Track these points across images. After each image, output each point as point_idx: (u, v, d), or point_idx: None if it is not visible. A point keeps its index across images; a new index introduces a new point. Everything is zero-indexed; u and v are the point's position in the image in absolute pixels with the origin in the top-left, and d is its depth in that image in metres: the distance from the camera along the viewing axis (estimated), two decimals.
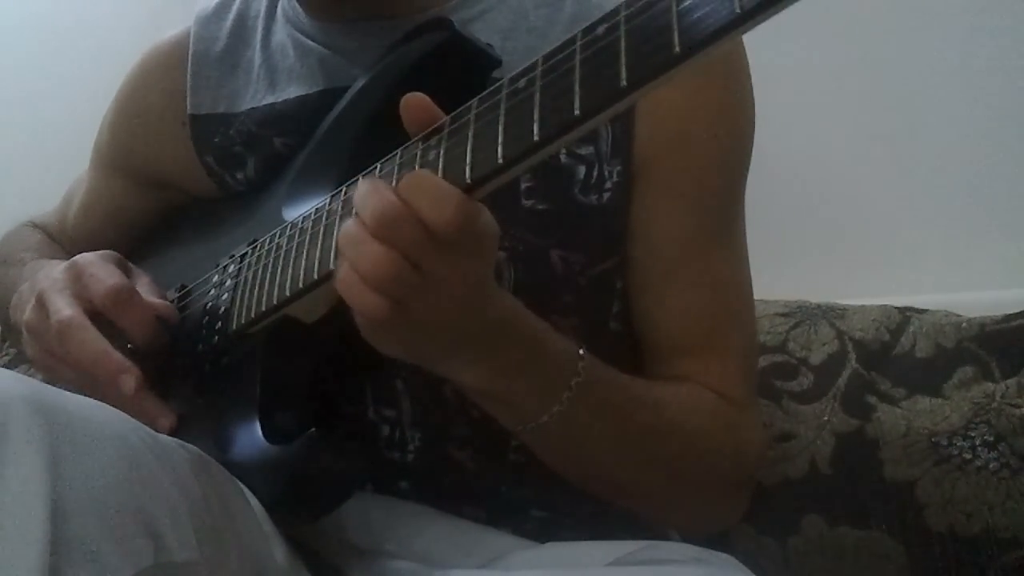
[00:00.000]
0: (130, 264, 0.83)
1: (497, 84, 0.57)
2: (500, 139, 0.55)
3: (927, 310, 1.07)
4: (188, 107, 0.90)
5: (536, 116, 0.53)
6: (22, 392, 0.52)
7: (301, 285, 0.68)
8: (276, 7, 0.91)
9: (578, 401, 0.70)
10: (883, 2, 1.27)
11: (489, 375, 0.68)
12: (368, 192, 0.58)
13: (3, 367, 1.20)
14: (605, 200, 0.78)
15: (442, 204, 0.56)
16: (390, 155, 0.64)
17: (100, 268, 0.78)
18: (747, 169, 0.84)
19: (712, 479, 0.80)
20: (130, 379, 0.73)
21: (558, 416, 0.70)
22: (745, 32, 0.46)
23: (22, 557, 0.47)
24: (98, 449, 0.53)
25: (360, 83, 0.78)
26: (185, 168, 0.91)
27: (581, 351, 0.71)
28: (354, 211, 0.60)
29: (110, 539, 0.50)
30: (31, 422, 0.51)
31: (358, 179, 0.66)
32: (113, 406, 0.71)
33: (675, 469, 0.78)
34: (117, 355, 0.74)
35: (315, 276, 0.66)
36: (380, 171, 0.64)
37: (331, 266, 0.64)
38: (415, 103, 0.61)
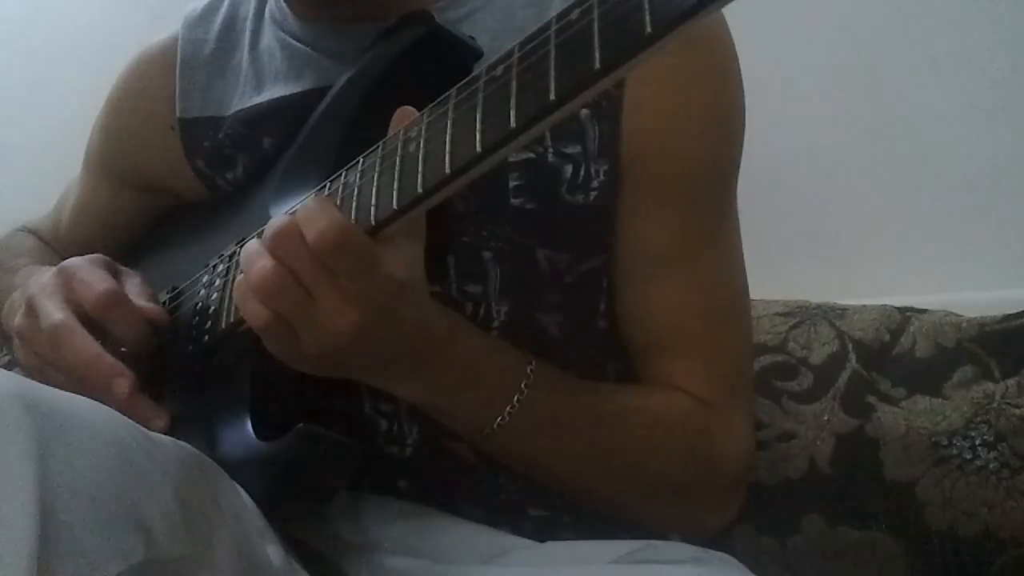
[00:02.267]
0: (119, 266, 0.83)
1: (475, 73, 0.57)
2: (479, 127, 0.55)
3: (927, 310, 1.07)
4: (177, 111, 0.90)
5: (513, 103, 0.53)
6: (11, 389, 0.52)
7: None
8: (264, 10, 0.90)
9: (523, 413, 0.71)
10: (883, 1, 1.27)
11: (422, 391, 0.70)
12: (275, 219, 0.63)
13: (2, 367, 1.20)
14: (592, 199, 0.78)
15: (320, 227, 0.60)
16: (372, 148, 0.65)
17: (89, 273, 0.78)
18: (737, 169, 0.83)
19: (684, 486, 0.79)
20: (123, 382, 0.73)
21: (504, 428, 0.71)
22: (714, 10, 0.46)
23: (11, 552, 0.47)
24: (88, 445, 0.53)
25: (343, 79, 0.78)
26: (175, 172, 0.90)
27: (530, 367, 0.72)
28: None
29: (100, 534, 0.50)
30: (20, 418, 0.51)
31: (341, 174, 0.67)
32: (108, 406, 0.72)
33: (641, 476, 0.78)
34: (110, 359, 0.74)
35: None
36: (362, 164, 0.65)
37: None
38: (406, 117, 0.63)
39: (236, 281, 0.65)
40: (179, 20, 0.95)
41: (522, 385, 0.72)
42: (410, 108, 0.64)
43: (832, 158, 1.31)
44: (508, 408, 0.71)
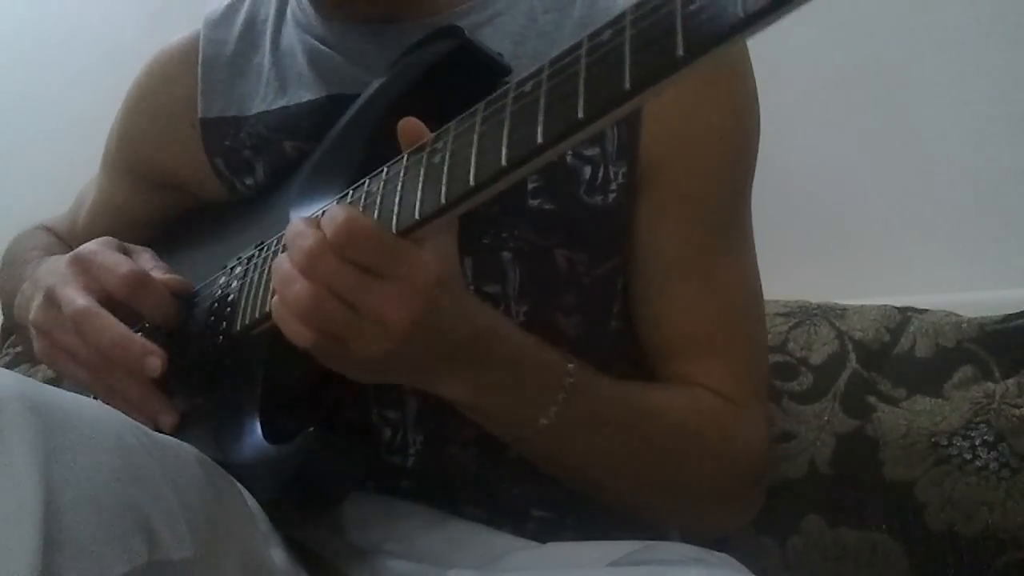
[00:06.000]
0: (127, 244, 0.83)
1: (504, 88, 0.57)
2: (505, 142, 0.55)
3: (927, 310, 1.08)
4: (199, 110, 0.90)
5: (541, 119, 0.53)
6: (16, 390, 0.53)
7: None
8: (285, 10, 0.91)
9: (567, 413, 0.70)
10: (883, 2, 1.27)
11: (471, 390, 0.69)
12: (294, 230, 0.62)
13: (3, 367, 1.20)
14: (610, 201, 0.78)
15: (357, 241, 0.59)
16: (396, 158, 0.64)
17: (107, 256, 0.78)
18: (753, 172, 0.84)
19: (713, 482, 0.80)
20: (155, 360, 0.73)
21: (547, 428, 0.71)
22: (748, 36, 0.46)
23: (16, 554, 0.47)
24: (92, 447, 0.53)
25: (371, 89, 0.78)
26: (195, 171, 0.90)
27: (571, 365, 0.71)
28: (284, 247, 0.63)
29: (104, 536, 0.50)
30: (25, 419, 0.51)
31: (365, 182, 0.67)
32: (123, 398, 0.73)
33: (674, 475, 0.78)
34: (140, 338, 0.74)
35: None
36: (386, 173, 0.65)
37: None
38: (410, 128, 0.63)
39: (273, 303, 0.64)
40: (183, 19, 0.95)
41: (566, 383, 0.70)
42: (415, 120, 0.64)
43: (832, 158, 1.31)
44: (553, 408, 0.70)
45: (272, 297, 0.65)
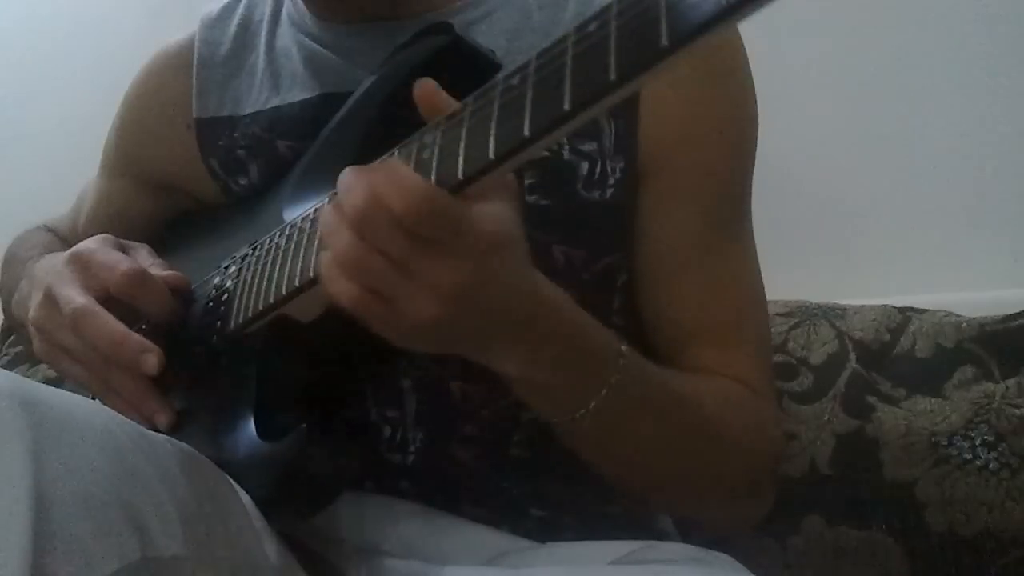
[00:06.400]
0: (124, 241, 0.83)
1: (492, 82, 0.57)
2: (492, 135, 0.55)
3: (927, 310, 1.08)
4: (193, 110, 0.90)
5: (528, 112, 0.53)
6: (7, 387, 0.53)
7: (297, 284, 0.68)
8: (280, 11, 0.91)
9: (617, 397, 0.68)
10: (883, 1, 1.27)
11: (526, 365, 0.66)
12: (349, 182, 0.59)
13: (3, 367, 1.20)
14: (608, 196, 0.79)
15: (409, 199, 0.55)
16: (387, 153, 0.64)
17: (106, 255, 0.78)
18: (752, 165, 0.85)
19: (746, 470, 0.79)
20: (152, 357, 0.73)
21: (596, 411, 0.68)
22: (731, 25, 0.46)
23: (6, 551, 0.47)
24: (83, 444, 0.53)
25: (363, 87, 0.79)
26: (190, 171, 0.91)
27: (623, 348, 0.69)
28: (336, 199, 0.60)
29: (95, 533, 0.50)
30: (14, 416, 0.51)
31: None
32: (120, 397, 0.73)
33: (711, 463, 0.77)
34: (137, 336, 0.74)
35: (310, 275, 0.67)
36: None
37: None
38: (426, 94, 0.61)
39: (321, 258, 0.61)
40: (182, 18, 0.95)
41: (619, 364, 0.68)
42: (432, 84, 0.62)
43: (832, 158, 1.31)
44: (604, 390, 0.67)
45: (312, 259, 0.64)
